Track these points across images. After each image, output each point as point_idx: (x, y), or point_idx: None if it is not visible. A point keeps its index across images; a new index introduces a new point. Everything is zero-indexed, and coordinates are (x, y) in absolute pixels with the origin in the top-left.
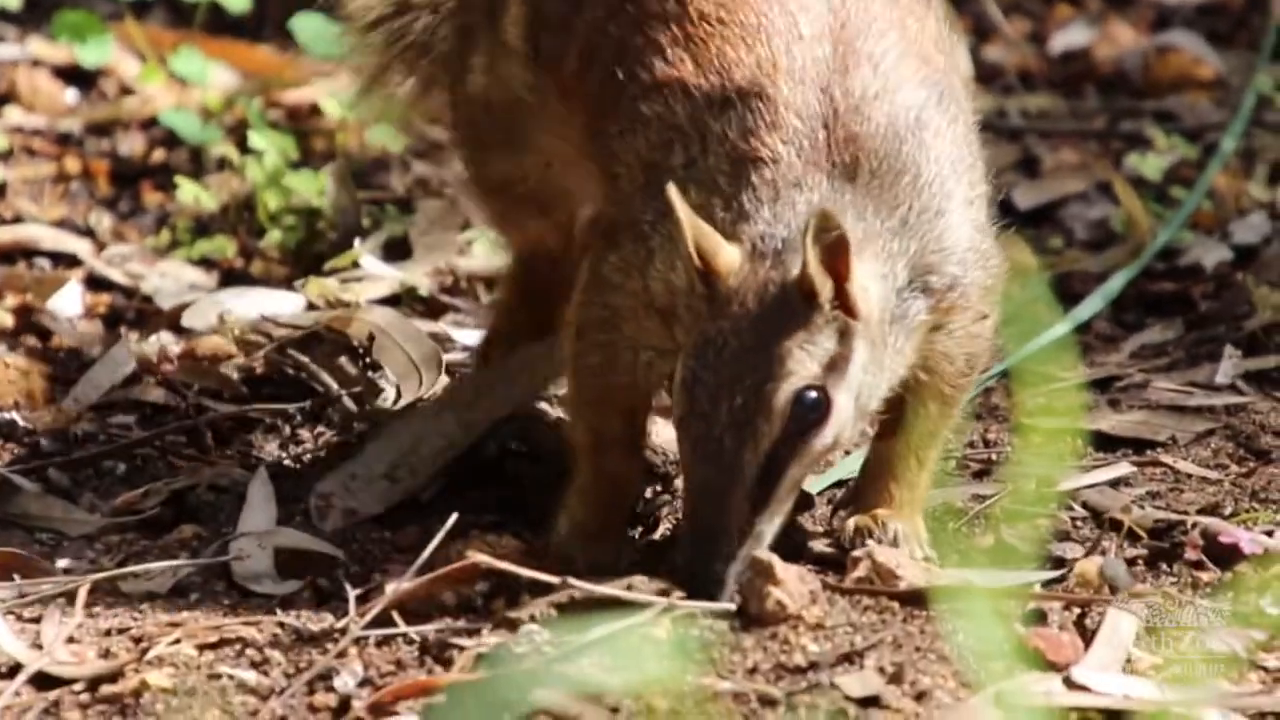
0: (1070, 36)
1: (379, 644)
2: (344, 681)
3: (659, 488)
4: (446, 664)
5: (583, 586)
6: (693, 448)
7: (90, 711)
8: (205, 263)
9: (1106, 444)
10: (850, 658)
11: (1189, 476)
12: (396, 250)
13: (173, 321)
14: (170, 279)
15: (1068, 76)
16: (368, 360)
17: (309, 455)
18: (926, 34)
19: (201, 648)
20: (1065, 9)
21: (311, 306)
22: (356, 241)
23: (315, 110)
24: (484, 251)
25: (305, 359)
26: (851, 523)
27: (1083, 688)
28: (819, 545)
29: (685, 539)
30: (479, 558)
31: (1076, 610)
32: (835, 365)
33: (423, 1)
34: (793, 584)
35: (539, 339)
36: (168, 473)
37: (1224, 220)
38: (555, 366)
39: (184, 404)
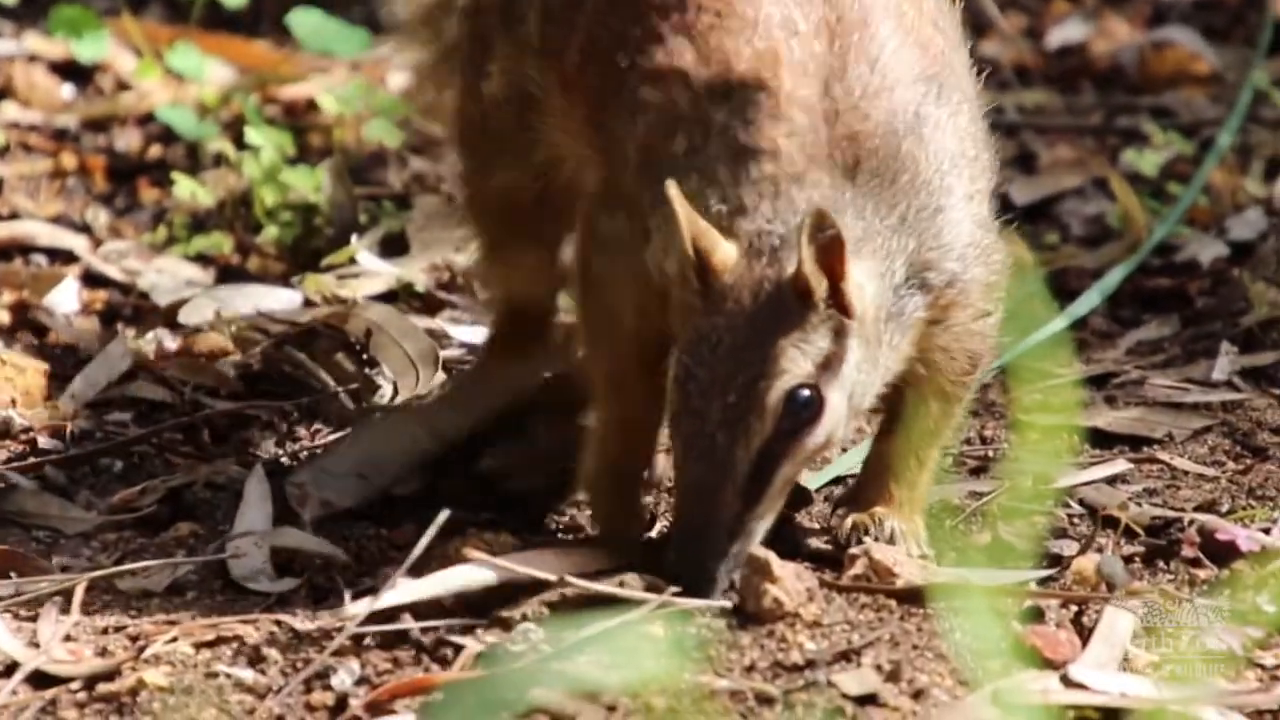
0: (1066, 32)
1: (376, 642)
2: (341, 680)
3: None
4: (444, 662)
5: (578, 584)
6: (685, 445)
7: (87, 710)
8: (202, 259)
9: (1103, 441)
10: (847, 655)
11: (1186, 473)
12: (393, 246)
13: (169, 318)
14: (167, 275)
15: (1064, 72)
16: (365, 356)
17: (306, 452)
18: (924, 16)
19: (198, 646)
20: (1061, 4)
21: (308, 303)
22: (353, 237)
23: (312, 106)
24: None
25: (302, 355)
26: (849, 520)
27: (1080, 685)
28: (816, 542)
29: (676, 536)
30: (475, 555)
31: (1074, 608)
32: (829, 364)
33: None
34: (790, 581)
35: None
36: (165, 470)
37: (1220, 216)
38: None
39: (181, 401)
